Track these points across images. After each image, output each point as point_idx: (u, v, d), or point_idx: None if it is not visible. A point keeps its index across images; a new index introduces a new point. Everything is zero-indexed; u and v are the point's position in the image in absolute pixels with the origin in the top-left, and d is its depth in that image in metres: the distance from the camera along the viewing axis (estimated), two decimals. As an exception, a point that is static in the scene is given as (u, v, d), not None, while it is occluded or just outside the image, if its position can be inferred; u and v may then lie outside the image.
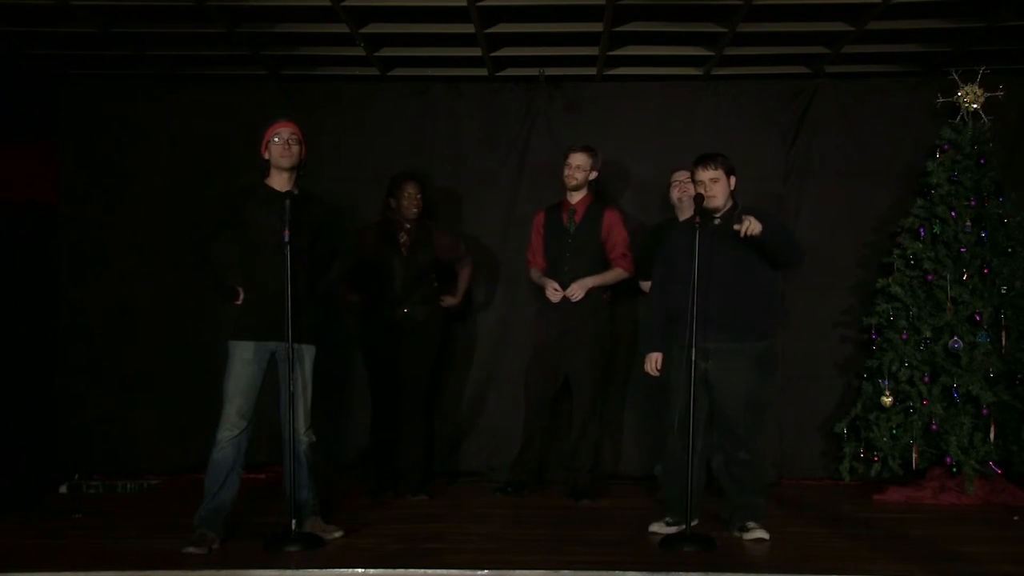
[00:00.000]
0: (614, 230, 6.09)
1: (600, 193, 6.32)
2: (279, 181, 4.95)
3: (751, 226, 4.73)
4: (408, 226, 6.12)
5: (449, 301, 6.28)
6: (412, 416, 6.15)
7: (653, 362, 5.17)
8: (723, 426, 4.99)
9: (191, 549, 4.62)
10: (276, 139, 4.92)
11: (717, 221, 4.91)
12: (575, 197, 6.13)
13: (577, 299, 5.97)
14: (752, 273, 4.92)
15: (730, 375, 4.91)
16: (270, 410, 5.08)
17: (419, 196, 6.14)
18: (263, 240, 4.85)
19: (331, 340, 5.54)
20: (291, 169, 4.94)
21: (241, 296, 4.90)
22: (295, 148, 4.93)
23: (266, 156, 4.97)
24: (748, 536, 4.90)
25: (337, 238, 5.21)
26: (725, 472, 5.08)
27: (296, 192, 4.85)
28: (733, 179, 5.01)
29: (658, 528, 5.08)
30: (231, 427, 4.81)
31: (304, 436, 4.91)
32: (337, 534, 4.96)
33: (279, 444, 4.98)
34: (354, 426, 6.61)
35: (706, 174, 4.95)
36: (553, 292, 6.00)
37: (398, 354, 6.10)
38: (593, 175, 6.11)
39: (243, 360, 4.84)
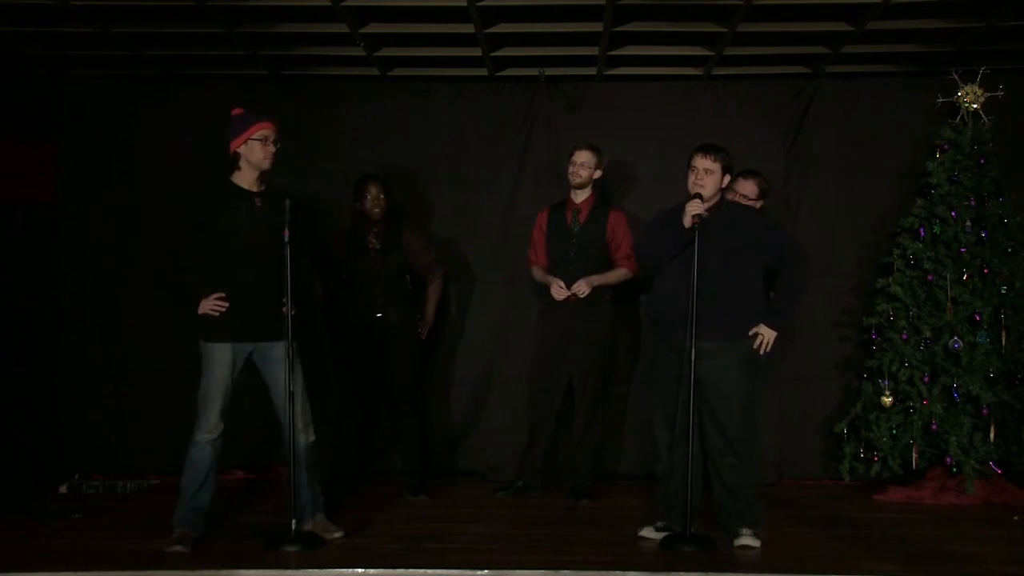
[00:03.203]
0: (618, 230, 6.08)
1: (604, 194, 6.32)
2: (248, 179, 4.89)
3: (767, 339, 4.91)
4: (376, 229, 6.10)
5: (423, 330, 6.30)
6: (404, 419, 6.16)
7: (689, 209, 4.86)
8: (714, 429, 4.90)
9: (177, 548, 4.64)
10: (262, 140, 4.84)
11: (705, 214, 4.88)
12: (579, 196, 6.13)
13: (583, 295, 5.95)
14: (738, 270, 4.90)
15: (719, 375, 4.85)
16: (267, 411, 5.08)
17: (382, 196, 6.11)
18: (237, 240, 4.82)
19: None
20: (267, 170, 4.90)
21: (212, 299, 4.85)
22: (276, 149, 4.88)
23: (238, 151, 4.86)
24: (737, 542, 4.86)
25: (302, 231, 5.16)
26: (717, 478, 4.98)
27: (272, 191, 4.83)
28: (727, 178, 5.00)
29: (647, 533, 5.05)
30: (211, 429, 4.82)
31: (301, 436, 4.91)
32: (338, 534, 4.96)
33: (277, 445, 4.98)
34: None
35: (703, 163, 4.92)
36: (558, 290, 5.99)
37: (375, 359, 6.09)
38: (597, 174, 6.10)
39: (220, 362, 4.83)
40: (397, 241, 6.14)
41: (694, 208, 4.82)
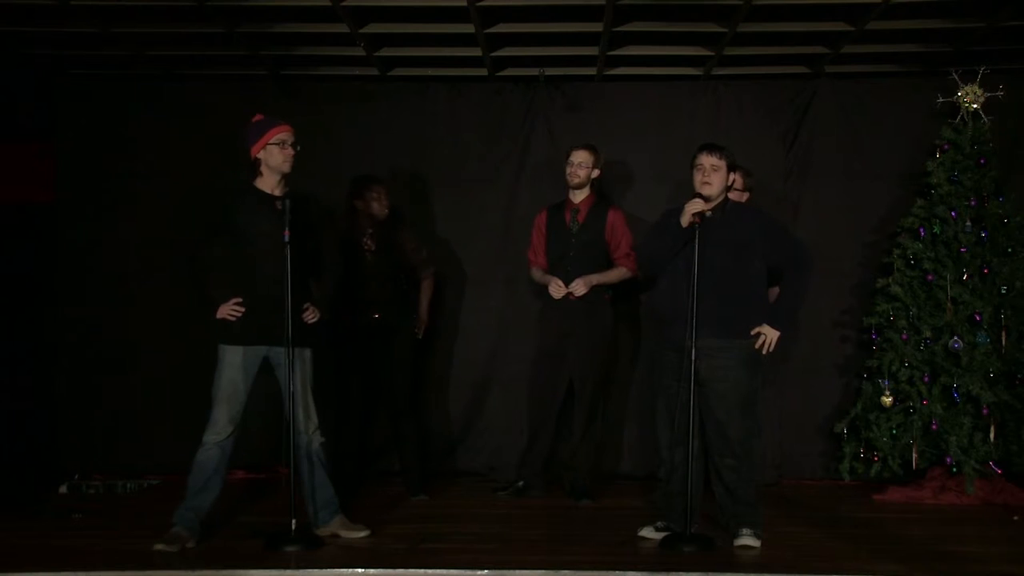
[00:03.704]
0: (617, 229, 6.08)
1: (602, 193, 6.32)
2: (270, 183, 4.90)
3: (770, 339, 4.87)
4: (371, 229, 6.09)
5: (419, 329, 6.28)
6: (402, 419, 6.13)
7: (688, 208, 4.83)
8: (713, 429, 4.87)
9: (161, 546, 4.64)
10: (280, 144, 4.85)
11: (708, 214, 4.88)
12: (578, 196, 6.13)
13: (580, 294, 5.95)
14: (741, 269, 4.88)
15: (719, 374, 4.83)
16: (275, 413, 5.08)
17: (385, 197, 6.11)
18: (257, 244, 4.82)
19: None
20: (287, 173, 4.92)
21: (231, 304, 4.84)
22: (295, 152, 4.90)
23: (258, 156, 4.88)
24: (738, 542, 4.84)
25: (326, 240, 5.16)
26: (717, 479, 4.96)
27: (289, 192, 4.84)
28: (732, 176, 5.00)
29: (647, 533, 5.04)
30: (220, 431, 4.81)
31: (310, 436, 4.91)
32: (363, 533, 4.97)
33: (278, 445, 4.96)
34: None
35: (709, 160, 4.89)
36: (556, 288, 5.99)
37: (373, 359, 6.08)
38: (595, 173, 6.11)
39: (233, 365, 4.82)
40: (393, 241, 6.14)
41: (695, 207, 4.81)
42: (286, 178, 4.93)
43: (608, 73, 6.84)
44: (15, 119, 6.93)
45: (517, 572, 4.37)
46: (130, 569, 4.37)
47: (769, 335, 4.87)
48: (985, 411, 6.03)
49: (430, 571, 4.36)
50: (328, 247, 5.19)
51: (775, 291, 5.22)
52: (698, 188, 4.89)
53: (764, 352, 4.90)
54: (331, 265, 5.21)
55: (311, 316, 4.96)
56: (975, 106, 6.34)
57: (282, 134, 4.87)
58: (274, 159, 4.86)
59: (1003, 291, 6.16)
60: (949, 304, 6.18)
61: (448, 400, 6.87)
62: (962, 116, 6.38)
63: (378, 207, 6.08)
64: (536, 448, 6.20)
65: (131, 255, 6.83)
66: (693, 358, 4.74)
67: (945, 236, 6.27)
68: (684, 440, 4.79)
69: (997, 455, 6.08)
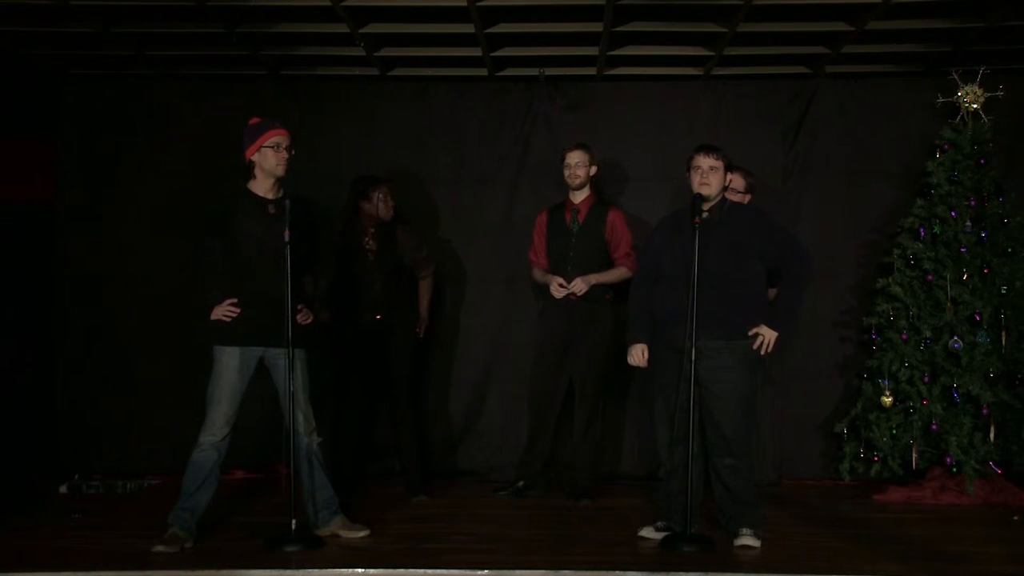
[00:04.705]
0: (617, 229, 6.08)
1: (602, 193, 6.32)
2: (264, 186, 4.91)
3: (769, 339, 4.85)
4: (372, 230, 6.08)
5: (420, 328, 6.27)
6: (402, 419, 6.12)
7: (639, 353, 5.05)
8: (712, 429, 4.88)
9: (161, 548, 4.65)
10: (274, 147, 4.85)
11: (705, 215, 4.88)
12: (578, 197, 6.13)
13: (580, 292, 5.95)
14: (739, 269, 4.88)
15: (718, 374, 4.83)
16: (273, 413, 5.08)
17: (391, 199, 6.11)
18: (252, 247, 4.83)
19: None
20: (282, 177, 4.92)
21: (225, 305, 4.85)
22: (289, 155, 4.90)
23: (252, 159, 4.89)
24: (737, 542, 4.85)
25: (321, 242, 5.16)
26: (717, 479, 4.97)
27: (288, 194, 4.84)
28: (730, 176, 5.01)
29: (647, 533, 5.04)
30: (216, 432, 4.82)
31: (308, 437, 4.92)
32: (363, 533, 4.97)
33: (277, 445, 4.97)
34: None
35: (706, 161, 4.91)
36: (557, 288, 5.99)
37: (374, 359, 6.07)
38: (593, 171, 6.11)
39: (230, 366, 4.82)
40: (393, 241, 6.13)
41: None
42: (280, 181, 4.93)
43: (608, 73, 6.84)
44: (15, 119, 6.93)
45: (517, 572, 4.37)
46: (130, 569, 4.38)
47: (767, 335, 4.87)
48: (985, 411, 6.03)
49: (430, 571, 4.37)
50: (323, 249, 5.19)
51: (774, 292, 5.21)
52: (696, 189, 4.91)
53: (763, 353, 4.90)
54: (325, 267, 5.20)
55: (304, 318, 4.96)
56: (975, 106, 6.35)
57: (276, 137, 4.87)
58: (268, 162, 4.87)
59: (1003, 291, 6.16)
60: (949, 304, 6.18)
61: (448, 400, 6.87)
62: (962, 116, 6.38)
63: (384, 208, 6.07)
64: (536, 448, 6.20)
65: (131, 255, 6.82)
66: (692, 358, 4.75)
67: (945, 236, 6.27)
68: (684, 440, 4.80)
69: (997, 455, 6.08)
